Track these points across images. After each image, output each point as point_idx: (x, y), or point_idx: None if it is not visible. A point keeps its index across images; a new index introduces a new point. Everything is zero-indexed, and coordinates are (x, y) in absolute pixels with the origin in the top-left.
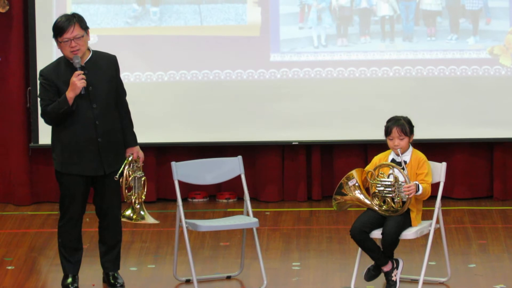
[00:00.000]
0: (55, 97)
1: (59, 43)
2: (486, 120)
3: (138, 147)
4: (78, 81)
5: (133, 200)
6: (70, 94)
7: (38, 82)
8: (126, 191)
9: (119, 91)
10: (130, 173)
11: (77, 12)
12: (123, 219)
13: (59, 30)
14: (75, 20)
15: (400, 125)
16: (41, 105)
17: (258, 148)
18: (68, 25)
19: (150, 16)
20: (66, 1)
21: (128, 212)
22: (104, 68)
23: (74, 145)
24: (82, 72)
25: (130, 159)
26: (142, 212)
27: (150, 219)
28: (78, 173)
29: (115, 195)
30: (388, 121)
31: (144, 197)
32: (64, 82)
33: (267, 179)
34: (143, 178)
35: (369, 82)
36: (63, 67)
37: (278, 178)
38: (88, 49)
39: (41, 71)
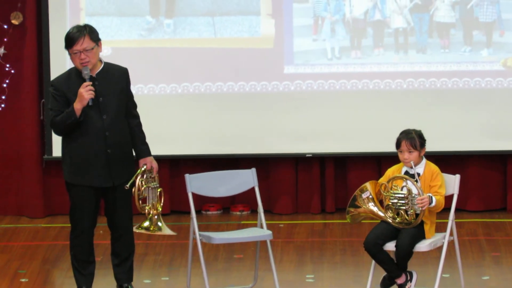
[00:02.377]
0: (64, 107)
1: (70, 54)
2: (499, 132)
3: (151, 157)
4: (85, 93)
5: (147, 211)
6: (78, 106)
7: (49, 92)
8: (140, 202)
9: (129, 104)
10: (143, 183)
11: (91, 24)
12: (140, 231)
13: (69, 41)
14: (86, 32)
15: (409, 138)
16: (50, 116)
17: (271, 160)
18: (78, 37)
19: (164, 28)
20: (80, 13)
21: (146, 224)
22: (115, 80)
23: (83, 156)
24: (91, 83)
25: (143, 169)
26: (159, 223)
27: (167, 231)
28: (86, 184)
29: (126, 207)
30: (400, 134)
31: (160, 209)
32: (74, 93)
33: (281, 192)
34: (158, 190)
35: (382, 94)
36: (74, 78)
37: (292, 190)
38: (100, 60)
39: (52, 82)
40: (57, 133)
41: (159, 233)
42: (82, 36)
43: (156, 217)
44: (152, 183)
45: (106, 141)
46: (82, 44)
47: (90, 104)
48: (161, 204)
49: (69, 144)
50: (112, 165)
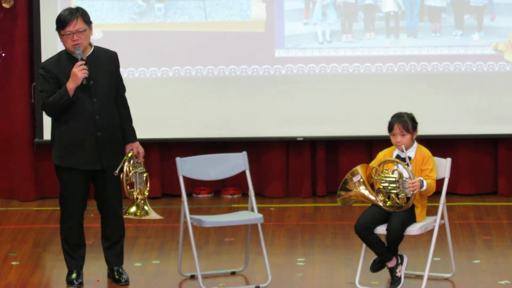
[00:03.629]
0: (55, 89)
1: (61, 36)
2: (490, 116)
3: (137, 142)
4: (79, 72)
5: (135, 196)
6: (71, 85)
7: (39, 74)
8: (128, 187)
9: (119, 87)
10: (131, 168)
11: (82, 7)
12: (128, 216)
13: (61, 23)
14: (79, 14)
15: (402, 121)
16: (41, 98)
17: (262, 144)
18: (71, 18)
19: (155, 12)
20: None
21: (133, 209)
22: (105, 64)
23: (73, 139)
24: (84, 62)
25: (130, 154)
26: (146, 208)
27: (154, 215)
28: (75, 167)
29: (115, 191)
30: (392, 118)
31: (147, 193)
32: (65, 75)
33: (272, 175)
34: (145, 174)
35: (374, 78)
36: (65, 60)
37: (283, 174)
38: (90, 44)
39: (42, 64)
40: (49, 114)
41: (146, 217)
42: (75, 17)
43: (142, 201)
44: (139, 168)
45: (96, 124)
46: (75, 25)
47: (84, 83)
48: (148, 188)
49: (58, 127)
50: (102, 149)
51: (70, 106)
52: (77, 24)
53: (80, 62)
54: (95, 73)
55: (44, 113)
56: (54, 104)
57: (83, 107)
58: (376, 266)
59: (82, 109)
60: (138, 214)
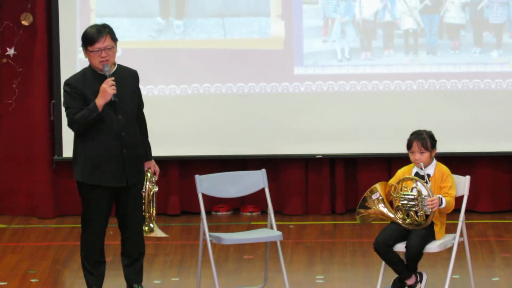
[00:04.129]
0: (82, 105)
1: (88, 53)
2: (509, 133)
3: (153, 161)
4: (108, 88)
5: (152, 214)
6: (100, 101)
7: (63, 92)
8: (145, 205)
9: (139, 105)
10: (151, 187)
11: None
12: None
13: (89, 39)
14: (107, 30)
15: (421, 139)
16: (68, 114)
17: (281, 161)
18: (100, 35)
19: (173, 29)
20: (90, 14)
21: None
22: (128, 81)
23: (99, 156)
24: (113, 79)
25: (149, 173)
26: (151, 225)
27: (159, 232)
28: (100, 184)
29: (138, 208)
30: (410, 135)
31: (154, 211)
32: (91, 91)
33: (291, 193)
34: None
35: (392, 95)
36: (90, 77)
37: (302, 191)
38: (113, 62)
39: (67, 81)
40: (77, 131)
41: (151, 234)
42: (104, 34)
43: (148, 219)
44: (156, 187)
45: (122, 141)
46: (104, 42)
47: (113, 100)
48: (155, 205)
49: (83, 143)
50: (127, 165)
51: (96, 123)
52: (106, 41)
53: (109, 79)
54: (120, 90)
55: (70, 129)
56: (82, 121)
57: (109, 124)
58: (397, 286)
59: (109, 126)
60: (146, 231)
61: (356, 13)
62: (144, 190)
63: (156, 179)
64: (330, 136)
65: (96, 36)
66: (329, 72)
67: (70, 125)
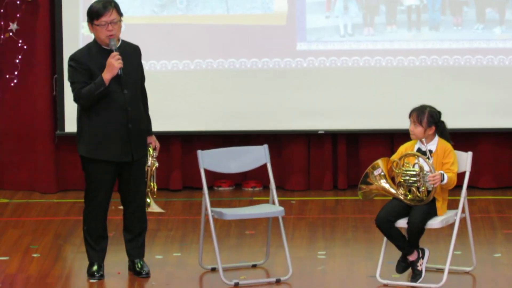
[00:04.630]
0: (88, 80)
1: (94, 26)
2: None
3: (154, 136)
4: (115, 62)
5: (152, 190)
6: (107, 76)
7: (68, 67)
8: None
9: (142, 80)
10: (152, 162)
11: None
12: None
13: (96, 13)
14: (113, 4)
15: (418, 111)
16: (73, 89)
17: (284, 137)
18: (106, 8)
19: (176, 5)
20: None
21: None
22: (132, 56)
23: (105, 131)
24: (119, 53)
25: (151, 148)
26: (148, 200)
27: (155, 208)
28: (106, 159)
29: (141, 183)
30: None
31: (155, 186)
32: (97, 66)
33: (293, 168)
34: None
35: (395, 71)
36: (95, 51)
37: (304, 167)
38: (119, 37)
39: (73, 56)
40: (83, 105)
41: (147, 209)
42: (110, 8)
43: (147, 194)
44: (156, 163)
45: (128, 115)
46: (110, 15)
47: (119, 73)
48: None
49: (89, 118)
50: (132, 140)
51: (102, 97)
52: (112, 15)
53: (115, 53)
54: (125, 65)
55: (76, 104)
56: (89, 95)
57: (115, 98)
58: (402, 266)
59: (114, 101)
60: None
61: None
62: (148, 164)
63: (157, 154)
64: (332, 112)
65: (103, 10)
66: (332, 47)
67: (76, 100)
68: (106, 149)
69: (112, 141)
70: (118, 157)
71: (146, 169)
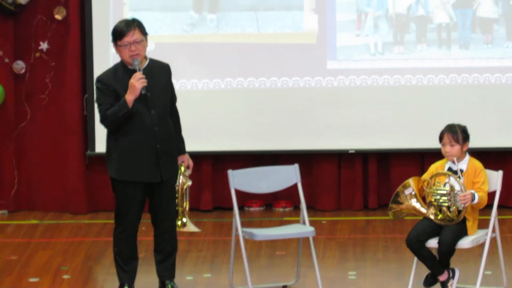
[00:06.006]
0: (114, 102)
1: (118, 47)
2: None
3: (187, 154)
4: (137, 83)
5: (185, 209)
6: (130, 97)
7: (95, 88)
8: (179, 199)
9: (172, 98)
10: (184, 181)
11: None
12: None
13: (118, 33)
14: (136, 24)
15: (452, 131)
16: (100, 110)
17: (314, 156)
18: (129, 29)
19: (207, 23)
20: (123, 8)
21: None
22: (161, 75)
23: (133, 152)
24: (141, 73)
25: (183, 167)
26: (184, 220)
27: (192, 227)
28: (135, 180)
29: (171, 203)
30: (444, 128)
31: (187, 205)
32: (123, 87)
33: (324, 188)
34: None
35: (425, 90)
36: (121, 72)
37: (335, 186)
38: (145, 57)
39: (99, 77)
40: (109, 127)
41: (183, 229)
42: (132, 28)
43: (181, 213)
44: (189, 181)
45: (155, 136)
46: (132, 35)
47: (143, 93)
48: (188, 200)
49: (116, 140)
50: (161, 160)
51: (129, 118)
52: (135, 35)
53: (137, 73)
54: (152, 85)
55: (103, 126)
56: (114, 117)
57: (142, 119)
58: (429, 282)
59: (141, 122)
60: (178, 225)
61: (389, 7)
62: (177, 184)
63: (190, 173)
64: (363, 131)
65: (125, 30)
66: (362, 66)
67: (102, 121)
68: (135, 170)
69: (140, 162)
70: (146, 178)
71: (176, 188)
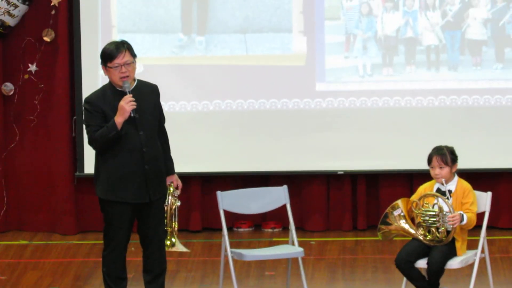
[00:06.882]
0: (102, 123)
1: (107, 69)
2: None
3: (176, 175)
4: (126, 105)
5: (174, 229)
6: (119, 119)
7: (84, 109)
8: (168, 219)
9: (160, 119)
10: (173, 201)
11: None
12: None
13: (109, 55)
14: (126, 46)
15: (440, 154)
16: (88, 132)
17: (303, 177)
18: (119, 51)
19: (195, 46)
20: (111, 30)
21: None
22: (149, 96)
23: (121, 173)
24: (131, 95)
25: (172, 188)
26: (173, 240)
27: (180, 247)
28: (123, 201)
29: (160, 223)
30: (431, 150)
31: (176, 225)
32: (111, 108)
33: (313, 209)
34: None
35: (414, 111)
36: (109, 93)
37: (324, 207)
38: (134, 78)
39: (87, 98)
40: (97, 148)
41: (172, 249)
42: (123, 50)
43: (170, 233)
44: (178, 201)
45: (144, 157)
46: (123, 57)
47: (132, 116)
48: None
49: (105, 161)
50: (149, 181)
51: (117, 140)
52: (125, 57)
53: (128, 96)
54: (141, 106)
55: (91, 147)
56: (102, 139)
57: (131, 140)
58: None
59: (130, 143)
60: (167, 245)
61: (378, 29)
62: (166, 204)
63: (179, 193)
64: (351, 152)
65: (115, 52)
66: (351, 88)
67: (90, 143)
68: (123, 191)
69: (128, 183)
70: (135, 199)
71: (165, 209)
